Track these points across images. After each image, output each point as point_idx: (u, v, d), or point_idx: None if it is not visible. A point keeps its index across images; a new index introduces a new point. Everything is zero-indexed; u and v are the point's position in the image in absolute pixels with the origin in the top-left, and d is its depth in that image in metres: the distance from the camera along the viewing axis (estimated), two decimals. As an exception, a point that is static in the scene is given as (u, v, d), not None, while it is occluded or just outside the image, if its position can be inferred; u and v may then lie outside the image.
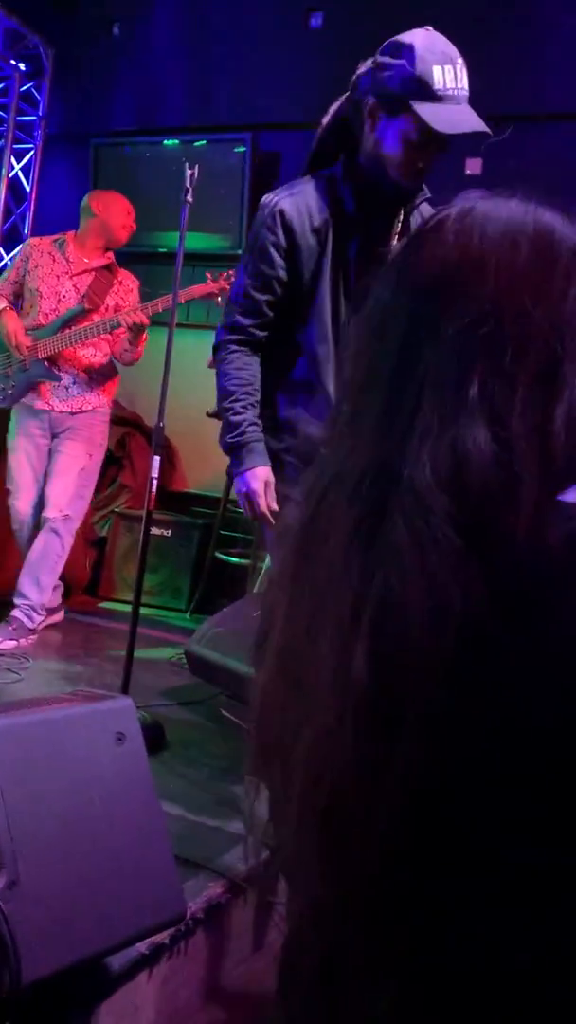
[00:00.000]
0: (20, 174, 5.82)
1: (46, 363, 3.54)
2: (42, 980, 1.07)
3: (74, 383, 3.59)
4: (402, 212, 1.92)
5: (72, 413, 3.59)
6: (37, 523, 3.57)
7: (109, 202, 3.75)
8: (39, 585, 3.48)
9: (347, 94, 1.87)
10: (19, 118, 5.74)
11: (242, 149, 5.07)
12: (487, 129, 1.71)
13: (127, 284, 3.73)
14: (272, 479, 1.87)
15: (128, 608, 4.30)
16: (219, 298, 3.48)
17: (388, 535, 0.26)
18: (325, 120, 1.89)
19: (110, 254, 3.78)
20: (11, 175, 5.76)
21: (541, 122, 4.50)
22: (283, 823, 0.29)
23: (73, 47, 5.69)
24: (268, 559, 3.97)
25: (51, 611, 3.71)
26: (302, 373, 1.84)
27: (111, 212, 3.71)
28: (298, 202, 1.80)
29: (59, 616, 3.81)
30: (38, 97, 5.79)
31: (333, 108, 1.90)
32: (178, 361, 2.74)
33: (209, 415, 4.22)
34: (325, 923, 0.27)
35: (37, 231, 5.84)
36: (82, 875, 1.17)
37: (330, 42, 5.00)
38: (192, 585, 4.65)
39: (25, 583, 3.48)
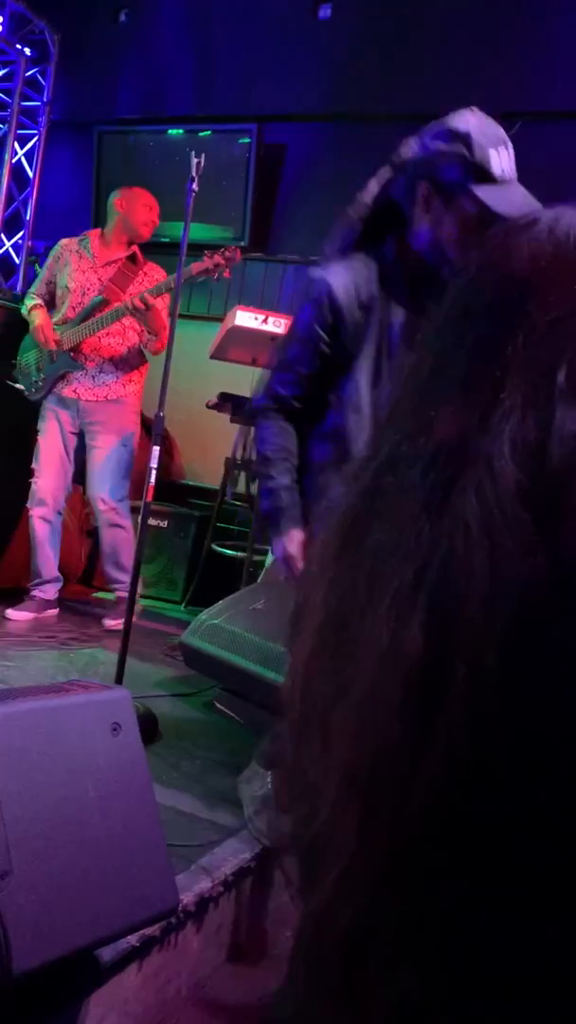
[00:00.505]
0: (23, 160, 5.79)
1: (71, 354, 3.68)
2: (33, 971, 1.06)
3: (100, 372, 3.71)
4: None
5: (98, 402, 3.70)
6: (56, 506, 3.76)
7: (132, 199, 3.80)
8: (123, 568, 3.76)
9: (389, 173, 1.89)
10: (23, 103, 5.71)
11: (247, 140, 5.04)
12: (536, 202, 1.74)
13: (152, 275, 3.77)
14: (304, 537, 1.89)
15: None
16: (215, 275, 3.48)
17: (458, 507, 0.27)
18: (367, 199, 1.91)
19: (134, 246, 3.80)
20: (14, 161, 5.73)
21: (549, 119, 4.48)
22: (317, 797, 0.30)
23: (79, 33, 5.66)
24: (269, 557, 3.97)
25: (47, 605, 3.76)
26: (330, 426, 1.87)
27: (133, 209, 3.77)
28: (347, 280, 1.82)
29: (54, 611, 3.82)
30: (43, 83, 5.76)
31: (375, 187, 1.91)
32: (178, 352, 2.73)
33: (208, 406, 4.20)
34: (355, 897, 0.28)
35: (39, 218, 5.81)
36: (75, 866, 1.16)
37: (339, 33, 4.97)
38: (188, 577, 4.64)
39: (111, 571, 3.80)
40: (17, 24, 5.52)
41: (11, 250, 5.83)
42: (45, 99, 5.77)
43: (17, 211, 5.82)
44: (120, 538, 3.79)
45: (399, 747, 0.27)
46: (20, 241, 5.83)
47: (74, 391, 3.71)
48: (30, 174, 5.82)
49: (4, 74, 5.70)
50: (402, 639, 0.27)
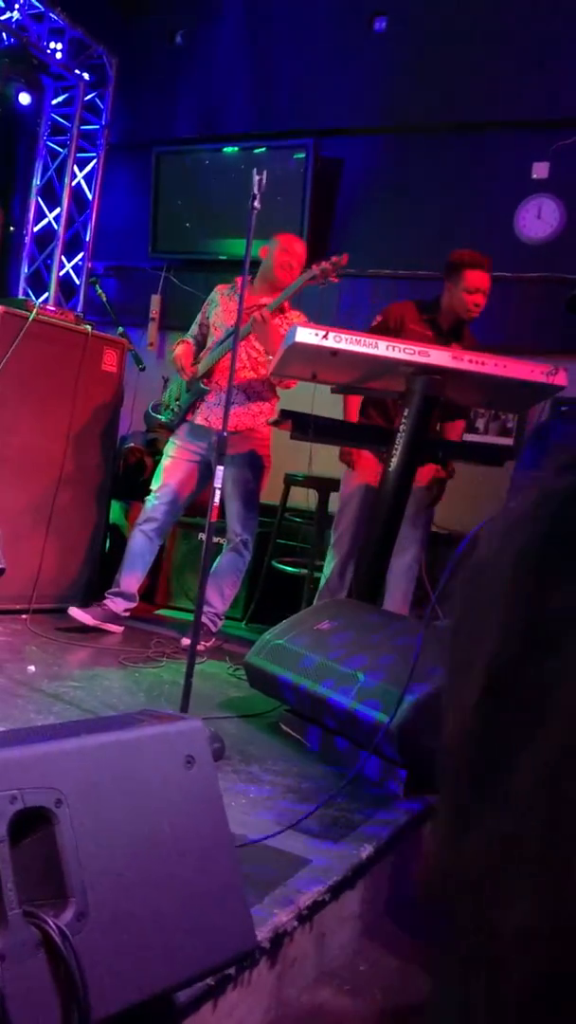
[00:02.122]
0: (83, 182, 5.89)
1: (203, 381, 3.79)
2: (111, 1017, 1.03)
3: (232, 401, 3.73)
4: None
5: (227, 432, 3.69)
6: (161, 528, 3.85)
7: (272, 245, 3.84)
8: (223, 596, 3.87)
9: None
10: (82, 127, 5.81)
11: (302, 156, 5.03)
12: None
13: (291, 319, 3.76)
14: None
15: (184, 616, 4.31)
16: (323, 280, 3.50)
17: None
18: None
19: (276, 293, 3.79)
20: (74, 184, 5.83)
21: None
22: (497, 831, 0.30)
23: (136, 56, 5.74)
24: (326, 569, 3.93)
25: (114, 619, 3.81)
26: None
27: (272, 254, 3.81)
28: None
29: (120, 629, 3.86)
30: (101, 106, 5.85)
31: None
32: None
33: (269, 423, 4.18)
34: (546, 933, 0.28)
35: (99, 239, 5.89)
36: (151, 906, 1.13)
37: (394, 45, 4.95)
38: (248, 594, 4.62)
39: (211, 592, 3.76)
40: (76, 50, 5.63)
41: (72, 271, 5.92)
42: (104, 122, 5.86)
43: (77, 232, 5.91)
44: (236, 565, 3.88)
45: None
46: (80, 262, 5.91)
47: (206, 419, 3.78)
48: (89, 196, 5.91)
49: (64, 99, 5.80)
50: None
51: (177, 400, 3.90)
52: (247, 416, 3.77)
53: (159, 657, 3.50)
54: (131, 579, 3.83)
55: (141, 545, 3.82)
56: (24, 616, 3.81)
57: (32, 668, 3.08)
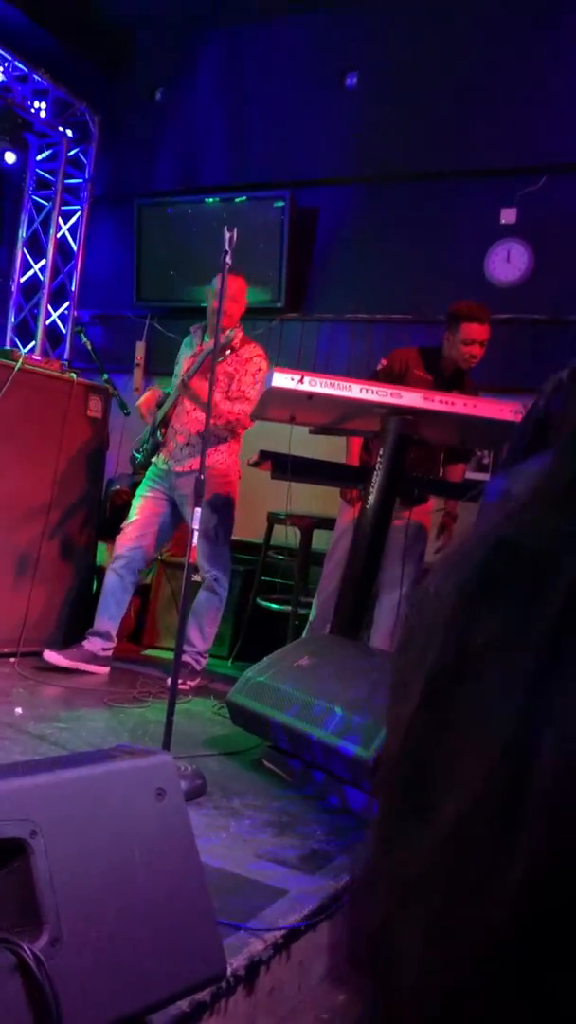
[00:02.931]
0: (67, 234, 6.05)
1: (161, 428, 3.97)
2: (84, 1038, 1.08)
3: (187, 444, 3.92)
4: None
5: (185, 472, 3.89)
6: (131, 565, 3.94)
7: (210, 289, 4.00)
8: (203, 634, 3.93)
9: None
10: (66, 181, 5.98)
11: (281, 204, 5.20)
12: None
13: (243, 355, 3.96)
14: None
15: (171, 655, 4.36)
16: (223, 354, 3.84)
17: None
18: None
19: (228, 332, 3.93)
20: (59, 235, 5.99)
21: (573, 172, 4.55)
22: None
23: (118, 113, 5.94)
24: (312, 608, 4.01)
25: (92, 659, 3.87)
26: None
27: (208, 297, 4.00)
28: None
29: (105, 670, 3.93)
30: (84, 161, 6.03)
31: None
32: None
33: (250, 464, 4.29)
34: (446, 980, 0.28)
35: (83, 289, 6.04)
36: (124, 932, 1.19)
37: (365, 100, 5.15)
38: (234, 632, 4.68)
39: (191, 631, 3.86)
40: (59, 108, 5.82)
41: (58, 320, 6.06)
42: (87, 176, 6.04)
43: (63, 283, 6.06)
44: (212, 603, 3.95)
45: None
46: (66, 311, 6.05)
47: (166, 462, 3.94)
48: (74, 247, 6.07)
49: (48, 155, 5.99)
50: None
51: (145, 443, 4.07)
52: (205, 456, 3.88)
53: (144, 697, 3.55)
54: (104, 618, 3.92)
55: (112, 584, 3.94)
56: (12, 659, 3.86)
57: (19, 710, 3.13)
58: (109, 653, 3.96)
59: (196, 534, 2.70)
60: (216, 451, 3.91)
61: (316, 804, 2.51)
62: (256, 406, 4.09)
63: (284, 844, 2.16)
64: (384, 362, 3.82)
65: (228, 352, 3.94)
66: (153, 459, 4.02)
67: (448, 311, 3.74)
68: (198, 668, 3.96)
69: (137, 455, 4.11)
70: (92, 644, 3.89)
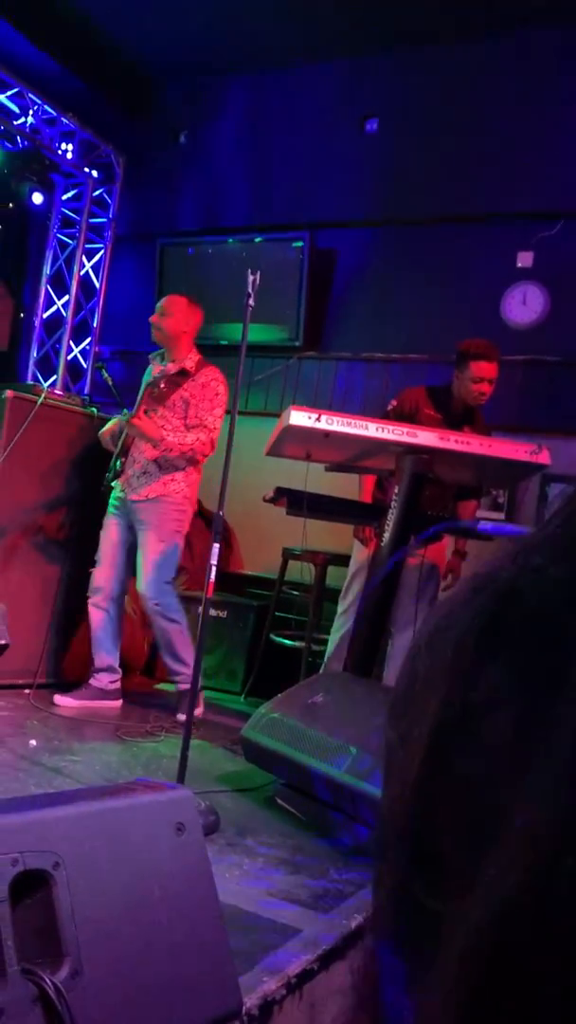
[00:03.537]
0: (91, 272, 6.17)
1: (122, 459, 3.94)
2: (101, 1072, 1.09)
3: (144, 472, 3.89)
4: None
5: (138, 501, 3.88)
6: (110, 595, 3.92)
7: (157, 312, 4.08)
8: (180, 660, 3.86)
9: None
10: (91, 220, 6.12)
11: (300, 244, 5.30)
12: None
13: (200, 380, 3.94)
14: None
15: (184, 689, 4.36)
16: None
17: None
18: None
19: (183, 361, 3.99)
20: (82, 273, 6.11)
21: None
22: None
23: (142, 154, 6.09)
24: (329, 645, 4.01)
25: (102, 695, 3.88)
26: None
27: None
28: None
29: (117, 703, 3.94)
30: (109, 201, 6.17)
31: None
32: (237, 447, 2.86)
33: (265, 500, 4.32)
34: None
35: (106, 325, 6.15)
36: (143, 966, 1.20)
37: (385, 145, 5.26)
38: (247, 667, 4.69)
39: (170, 662, 3.90)
40: (86, 150, 5.97)
41: (79, 356, 6.16)
42: (111, 215, 6.18)
43: (85, 319, 6.17)
44: (172, 631, 3.87)
45: None
46: (88, 347, 6.16)
47: (123, 490, 3.92)
48: (97, 284, 6.18)
49: (73, 195, 6.13)
50: None
51: (111, 473, 4.00)
52: (159, 485, 3.87)
53: (157, 731, 3.56)
54: (101, 654, 3.93)
55: (96, 619, 3.93)
56: (27, 691, 3.88)
57: (33, 742, 3.14)
58: (117, 685, 3.97)
59: (213, 570, 2.72)
60: (172, 480, 3.88)
61: (329, 843, 2.51)
62: (272, 443, 4.14)
63: (297, 883, 2.16)
64: (394, 403, 3.90)
65: (181, 376, 3.92)
66: (114, 486, 3.99)
67: (457, 349, 3.82)
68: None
69: (111, 485, 4.02)
70: (99, 680, 3.90)
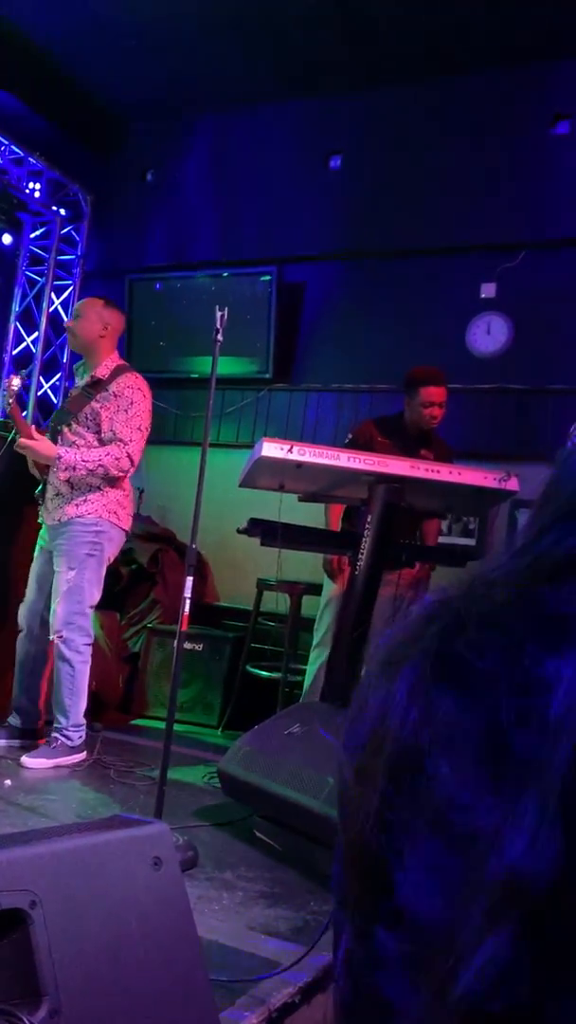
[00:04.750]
0: (60, 308, 6.20)
1: (44, 478, 3.64)
2: None
3: (56, 494, 3.60)
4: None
5: (52, 526, 3.61)
6: (31, 629, 3.65)
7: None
8: (63, 709, 3.50)
9: None
10: (59, 258, 6.16)
11: (268, 278, 5.37)
12: None
13: (113, 388, 3.62)
14: None
15: (161, 724, 4.33)
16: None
17: None
18: None
19: (99, 372, 3.69)
20: (51, 310, 6.14)
21: (551, 248, 4.74)
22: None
23: (110, 192, 6.16)
24: (308, 677, 4.01)
25: (73, 750, 3.53)
26: None
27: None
28: None
29: (80, 756, 3.55)
30: (77, 238, 6.22)
31: None
32: (209, 479, 2.87)
33: (239, 532, 4.34)
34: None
35: (75, 360, 6.16)
36: (121, 1004, 1.19)
37: (348, 181, 5.37)
38: (224, 700, 4.66)
39: (54, 708, 3.55)
40: (53, 189, 6.03)
41: (49, 391, 6.16)
42: (79, 252, 6.22)
43: (55, 354, 6.19)
44: (62, 673, 3.49)
45: None
46: (58, 382, 6.17)
47: (40, 513, 3.68)
48: (66, 320, 6.20)
49: (41, 233, 6.18)
50: None
51: (39, 501, 3.73)
52: (71, 508, 3.56)
53: (134, 768, 3.52)
54: (16, 692, 3.70)
55: (17, 654, 3.68)
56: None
57: (8, 781, 3.10)
58: (32, 725, 3.69)
59: (187, 603, 2.72)
60: (86, 501, 3.56)
61: (308, 874, 2.50)
62: (245, 475, 4.16)
63: (277, 916, 2.15)
64: (350, 436, 4.04)
65: (94, 387, 3.63)
66: (39, 511, 3.71)
67: (405, 377, 3.98)
68: (70, 744, 3.49)
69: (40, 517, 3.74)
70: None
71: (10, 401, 3.50)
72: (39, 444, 3.47)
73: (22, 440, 3.45)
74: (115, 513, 3.64)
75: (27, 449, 3.47)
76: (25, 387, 6.12)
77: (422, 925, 0.27)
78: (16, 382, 3.61)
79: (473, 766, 0.27)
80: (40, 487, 3.67)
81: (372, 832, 0.30)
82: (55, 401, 6.14)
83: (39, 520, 3.71)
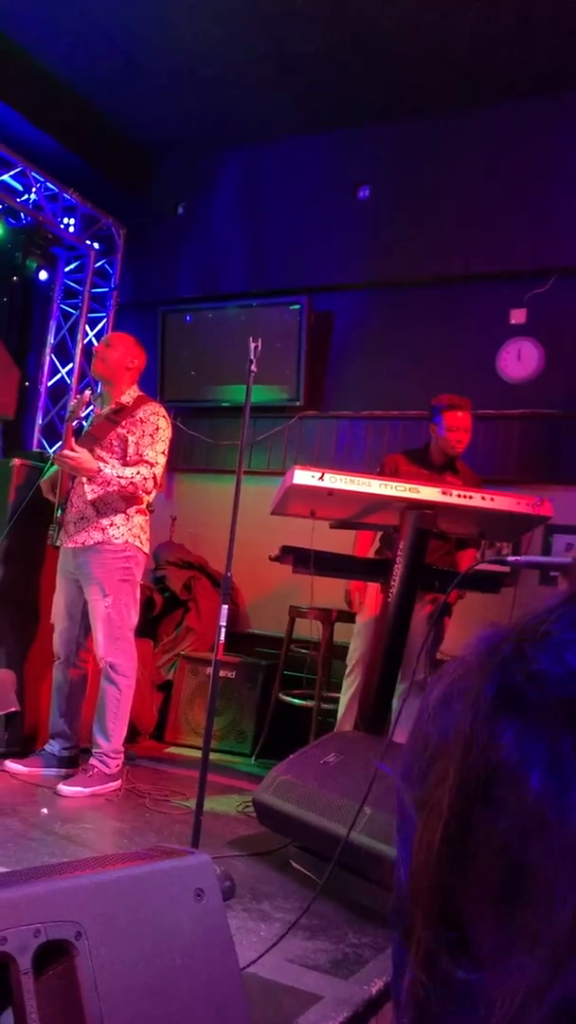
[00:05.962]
0: (94, 340, 6.29)
1: (64, 504, 3.71)
2: None
3: (81, 518, 3.64)
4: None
5: (77, 550, 3.64)
6: (68, 657, 3.72)
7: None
8: (104, 731, 3.57)
9: None
10: (93, 290, 6.27)
11: (297, 307, 5.42)
12: None
13: (139, 414, 3.75)
14: None
15: (194, 752, 4.33)
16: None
17: None
18: None
19: (123, 399, 3.85)
20: (86, 341, 6.24)
21: (581, 274, 4.74)
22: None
23: (142, 226, 6.27)
24: (342, 700, 3.99)
25: (109, 778, 3.56)
26: None
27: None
28: None
29: (116, 784, 3.58)
30: (110, 271, 6.33)
31: None
32: (242, 506, 2.89)
33: (271, 559, 4.35)
34: None
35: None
36: (165, 1037, 1.19)
37: (377, 211, 5.42)
38: (257, 728, 4.65)
39: (95, 730, 3.61)
40: (87, 223, 6.15)
41: (83, 423, 6.24)
42: (113, 285, 6.33)
43: (89, 385, 6.27)
44: (109, 694, 3.57)
45: None
46: (91, 412, 6.25)
47: (65, 541, 3.67)
48: (96, 343, 6.31)
49: (76, 266, 6.30)
50: None
51: (54, 525, 3.74)
52: (97, 530, 3.59)
53: (169, 796, 3.52)
54: (53, 716, 3.74)
55: (54, 682, 3.74)
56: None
57: (45, 810, 3.12)
58: (69, 753, 3.73)
59: (223, 631, 2.74)
60: (112, 524, 3.60)
61: (346, 906, 2.47)
62: (277, 502, 4.19)
63: (316, 948, 2.13)
64: (379, 468, 4.07)
65: (119, 413, 3.75)
66: (60, 538, 3.69)
67: (430, 404, 4.01)
68: (108, 771, 3.54)
69: (54, 541, 3.72)
70: (52, 746, 3.70)
71: (79, 413, 3.62)
72: (82, 456, 3.50)
73: (65, 451, 3.47)
74: (138, 537, 3.70)
75: (70, 460, 3.46)
76: (60, 418, 6.22)
77: (486, 955, 0.28)
78: (88, 395, 3.76)
79: (537, 794, 0.27)
80: (58, 510, 3.69)
81: (436, 862, 0.30)
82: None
83: (53, 544, 3.70)
